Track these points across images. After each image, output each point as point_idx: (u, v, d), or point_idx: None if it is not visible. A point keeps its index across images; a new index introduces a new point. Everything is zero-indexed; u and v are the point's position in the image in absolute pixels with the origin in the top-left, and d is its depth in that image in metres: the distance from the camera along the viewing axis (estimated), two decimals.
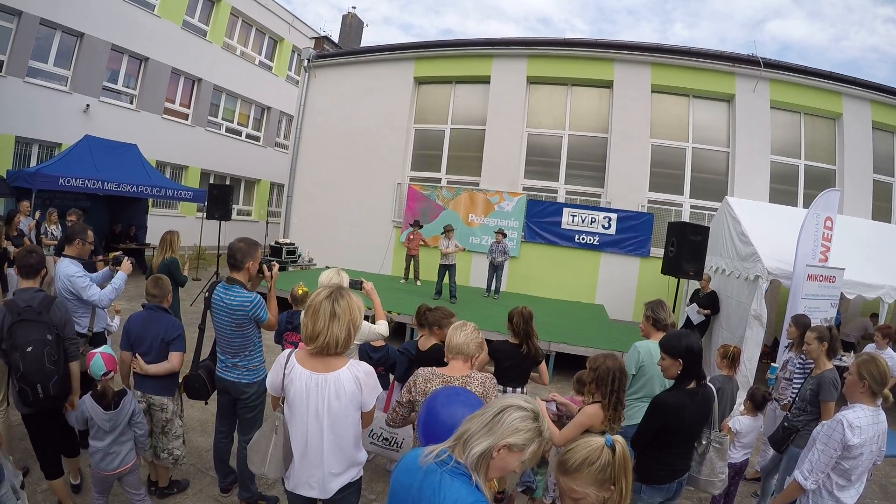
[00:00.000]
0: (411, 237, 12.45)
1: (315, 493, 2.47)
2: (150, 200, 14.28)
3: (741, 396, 5.25)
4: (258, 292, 3.61)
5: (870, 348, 6.07)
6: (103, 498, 3.33)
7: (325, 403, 2.35)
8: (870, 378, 2.88)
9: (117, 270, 4.48)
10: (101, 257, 5.39)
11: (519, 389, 4.07)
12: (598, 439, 1.60)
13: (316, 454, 2.41)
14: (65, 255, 4.26)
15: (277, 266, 3.89)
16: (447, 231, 11.29)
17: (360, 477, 2.59)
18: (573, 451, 1.61)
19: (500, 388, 3.83)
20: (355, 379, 2.37)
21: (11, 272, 7.03)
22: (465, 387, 2.61)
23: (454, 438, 1.66)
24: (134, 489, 3.36)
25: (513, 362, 3.98)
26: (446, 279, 11.07)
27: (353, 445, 2.47)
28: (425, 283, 12.54)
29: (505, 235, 11.90)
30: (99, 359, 3.11)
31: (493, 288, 11.95)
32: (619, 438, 1.61)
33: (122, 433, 3.24)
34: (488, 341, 3.71)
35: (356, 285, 3.75)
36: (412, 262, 12.69)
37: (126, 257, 4.61)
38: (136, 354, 3.61)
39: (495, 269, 11.80)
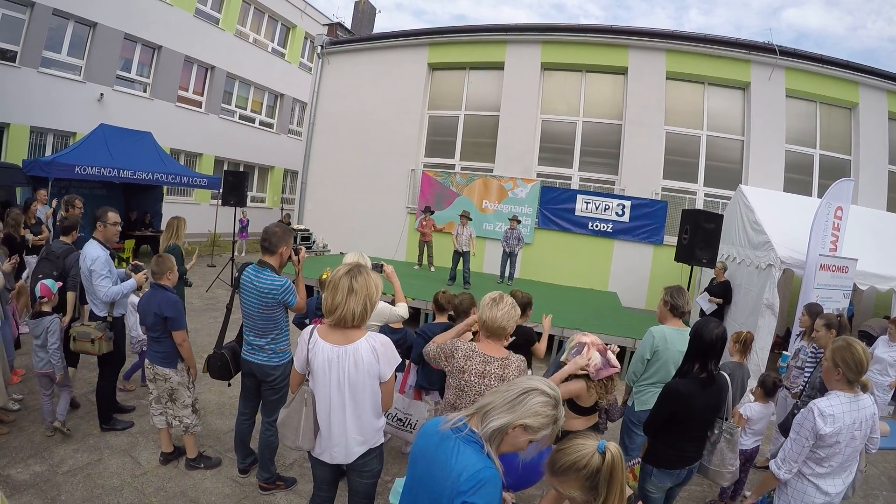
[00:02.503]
0: (424, 223, 12.52)
1: (339, 460, 2.63)
2: (165, 188, 14.38)
3: (752, 384, 5.29)
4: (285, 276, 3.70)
5: (882, 340, 6.05)
6: (46, 391, 4.31)
7: (345, 374, 2.48)
8: (844, 365, 2.75)
9: (132, 276, 4.68)
10: None
11: None
12: (591, 443, 1.60)
13: (339, 423, 2.56)
14: (93, 238, 4.48)
15: (304, 250, 4.00)
16: (463, 217, 11.32)
17: (382, 443, 2.75)
18: (563, 452, 1.63)
19: None
20: (372, 349, 2.49)
21: (30, 259, 7.16)
22: (504, 370, 2.69)
23: (475, 408, 1.75)
24: (43, 388, 4.32)
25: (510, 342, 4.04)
26: (460, 265, 11.14)
27: (372, 414, 2.60)
28: (439, 269, 12.62)
29: (519, 222, 11.87)
30: (38, 287, 4.24)
31: (506, 274, 11.96)
32: (611, 446, 1.58)
33: (44, 344, 4.19)
34: None
35: (377, 269, 3.82)
36: (426, 248, 12.77)
37: (144, 274, 4.73)
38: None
39: (509, 256, 11.81)
